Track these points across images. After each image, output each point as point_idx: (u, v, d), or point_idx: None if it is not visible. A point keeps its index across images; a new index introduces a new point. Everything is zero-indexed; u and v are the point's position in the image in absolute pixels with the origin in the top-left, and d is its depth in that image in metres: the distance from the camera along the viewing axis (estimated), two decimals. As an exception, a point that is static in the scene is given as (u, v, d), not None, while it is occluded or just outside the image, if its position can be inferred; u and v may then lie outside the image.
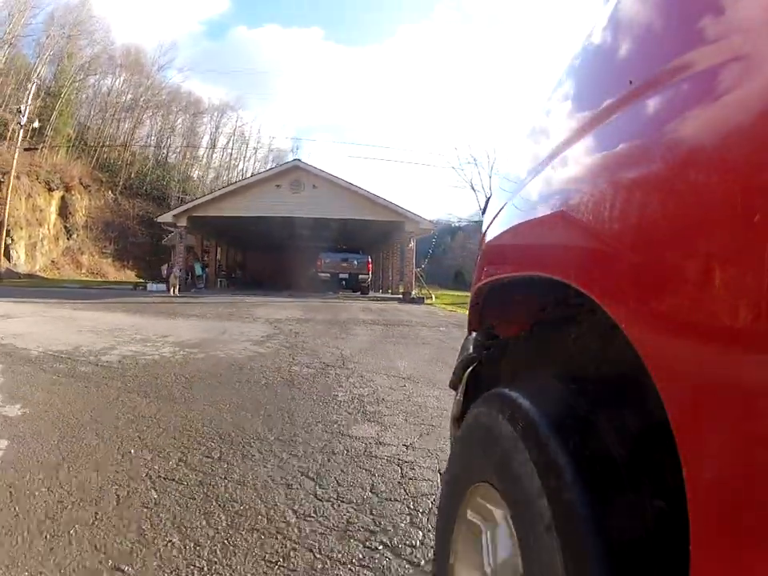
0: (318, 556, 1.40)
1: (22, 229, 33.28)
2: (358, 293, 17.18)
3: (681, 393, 0.35)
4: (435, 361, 4.85)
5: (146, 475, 1.90)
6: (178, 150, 48.16)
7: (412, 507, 1.71)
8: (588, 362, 0.66)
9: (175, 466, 2.01)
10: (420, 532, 1.55)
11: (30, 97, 26.52)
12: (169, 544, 1.43)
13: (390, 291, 19.92)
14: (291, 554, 1.41)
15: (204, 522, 1.56)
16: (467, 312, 1.14)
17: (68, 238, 37.25)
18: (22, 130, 25.67)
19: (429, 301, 16.15)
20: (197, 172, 47.72)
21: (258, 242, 20.48)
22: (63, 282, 23.58)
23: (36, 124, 26.77)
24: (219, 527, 1.54)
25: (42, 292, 13.78)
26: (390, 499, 1.77)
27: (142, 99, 45.33)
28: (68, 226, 37.13)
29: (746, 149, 0.31)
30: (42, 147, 36.21)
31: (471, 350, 0.95)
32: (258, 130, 52.27)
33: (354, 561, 1.38)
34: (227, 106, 48.90)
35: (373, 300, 15.37)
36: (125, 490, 1.76)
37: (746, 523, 0.29)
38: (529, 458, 0.52)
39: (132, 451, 2.15)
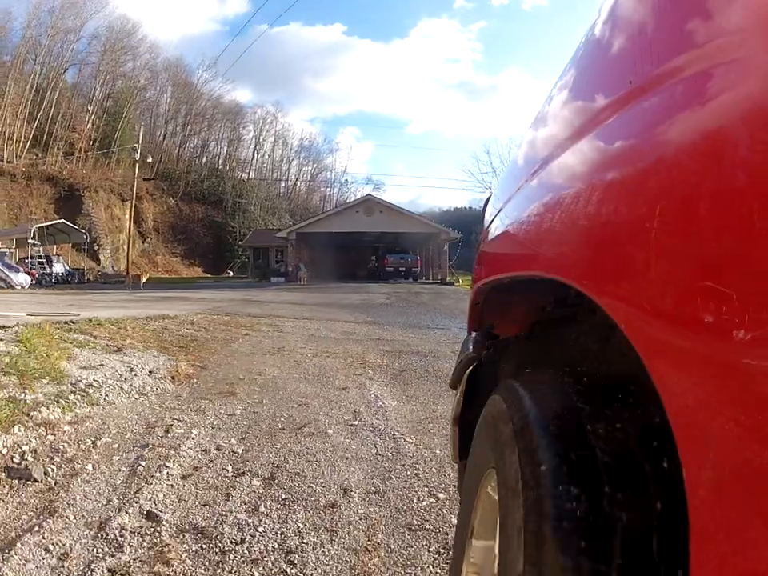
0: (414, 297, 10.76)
1: (106, 236, 42.52)
2: (410, 279, 26.62)
3: (681, 393, 0.36)
4: (454, 302, 13.89)
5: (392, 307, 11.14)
6: (225, 157, 56.66)
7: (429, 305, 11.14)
8: (588, 361, 0.68)
9: (398, 308, 11.32)
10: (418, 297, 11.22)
11: (140, 137, 35.22)
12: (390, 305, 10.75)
13: (431, 278, 28.89)
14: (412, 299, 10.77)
15: (404, 308, 10.80)
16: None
17: (143, 242, 46.47)
18: (137, 165, 34.44)
19: (457, 284, 25.25)
20: (244, 175, 56.66)
21: (331, 245, 29.28)
22: (188, 279, 30.72)
23: (150, 159, 35.69)
24: (409, 311, 10.81)
25: (196, 287, 21.03)
26: (434, 305, 11.21)
27: (189, 111, 53.61)
28: (141, 231, 46.40)
29: (749, 148, 0.32)
30: (109, 163, 44.93)
31: (471, 350, 0.99)
32: (299, 134, 61.51)
33: (419, 299, 10.70)
34: (268, 112, 57.74)
35: (422, 284, 25.20)
36: (397, 308, 11.10)
37: (747, 524, 0.29)
38: (516, 443, 0.55)
39: (397, 314, 11.42)
